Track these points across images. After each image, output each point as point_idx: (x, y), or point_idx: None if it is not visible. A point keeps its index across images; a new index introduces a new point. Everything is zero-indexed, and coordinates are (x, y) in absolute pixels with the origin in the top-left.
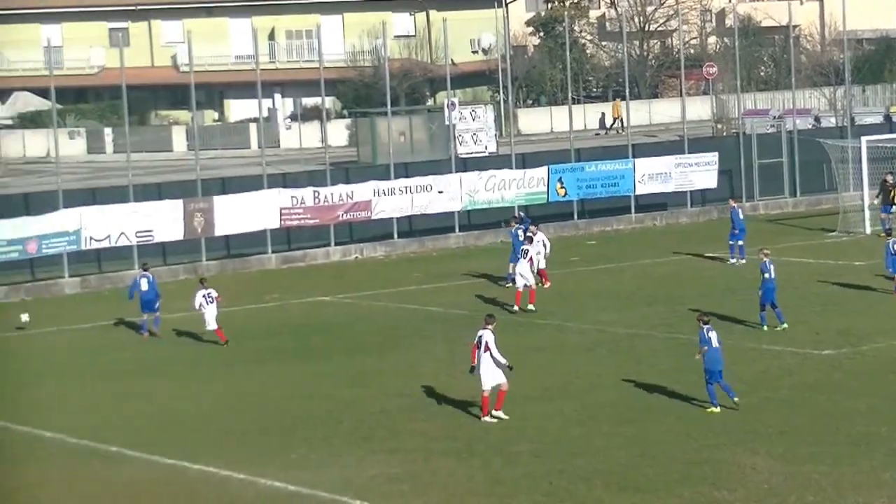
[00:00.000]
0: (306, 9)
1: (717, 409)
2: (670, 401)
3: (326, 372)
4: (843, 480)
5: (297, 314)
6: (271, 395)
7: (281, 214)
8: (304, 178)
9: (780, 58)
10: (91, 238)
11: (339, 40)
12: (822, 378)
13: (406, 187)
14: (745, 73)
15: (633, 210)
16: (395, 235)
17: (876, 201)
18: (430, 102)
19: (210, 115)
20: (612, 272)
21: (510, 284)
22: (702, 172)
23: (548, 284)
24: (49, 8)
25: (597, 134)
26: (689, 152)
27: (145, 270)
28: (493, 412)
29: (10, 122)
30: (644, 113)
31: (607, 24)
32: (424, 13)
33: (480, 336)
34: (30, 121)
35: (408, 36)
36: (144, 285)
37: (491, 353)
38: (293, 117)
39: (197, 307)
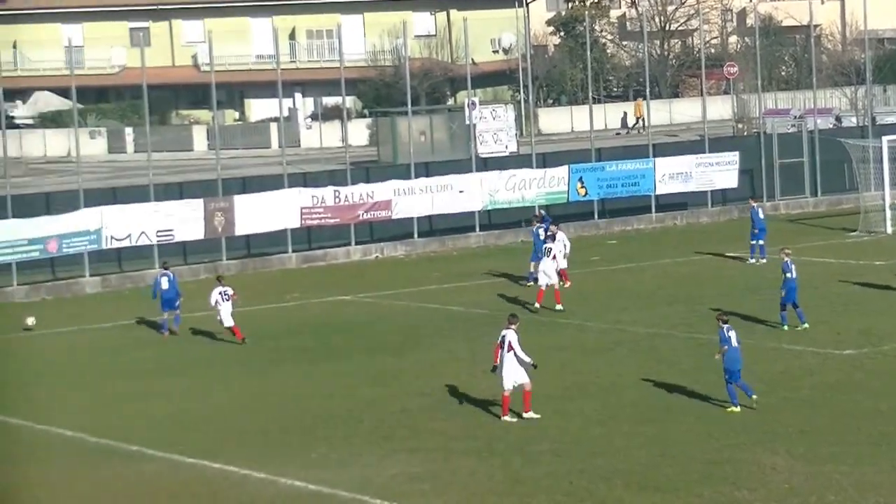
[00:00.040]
0: (327, 8)
1: (738, 409)
2: (690, 400)
3: (347, 371)
4: (865, 480)
5: (318, 313)
6: (291, 395)
7: (301, 214)
8: (324, 178)
9: (801, 57)
10: (112, 237)
11: (360, 40)
12: (843, 378)
13: (426, 187)
14: (766, 72)
15: (653, 210)
16: (416, 235)
17: None
18: (450, 102)
19: (231, 115)
20: (632, 272)
21: (531, 284)
22: (722, 172)
23: (568, 284)
24: (70, 8)
25: (617, 133)
26: (710, 152)
27: (166, 269)
28: (524, 414)
29: (31, 121)
30: (665, 113)
31: (628, 23)
32: (445, 13)
33: (504, 336)
34: (51, 120)
35: (428, 35)
36: (165, 284)
37: (515, 353)
38: (314, 117)
39: (213, 304)
